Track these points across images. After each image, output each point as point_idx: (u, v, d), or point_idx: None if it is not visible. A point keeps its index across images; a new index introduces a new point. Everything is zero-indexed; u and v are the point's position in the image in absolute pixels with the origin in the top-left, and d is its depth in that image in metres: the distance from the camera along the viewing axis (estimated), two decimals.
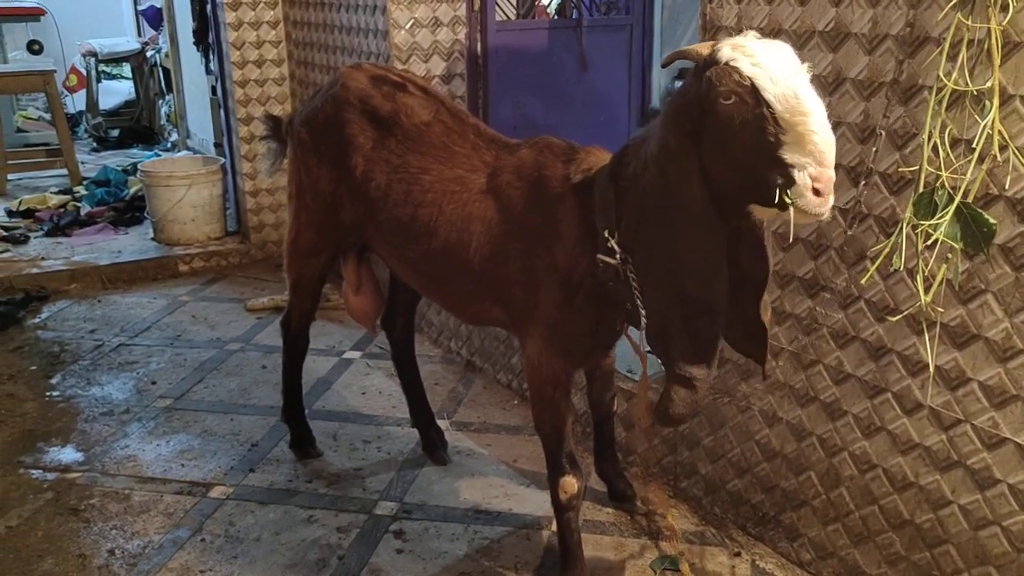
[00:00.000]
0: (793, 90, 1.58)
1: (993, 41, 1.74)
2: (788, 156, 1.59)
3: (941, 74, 1.79)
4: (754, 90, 1.60)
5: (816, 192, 1.59)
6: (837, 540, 2.38)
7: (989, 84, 1.75)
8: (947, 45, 1.80)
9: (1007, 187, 1.85)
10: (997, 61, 1.74)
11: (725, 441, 2.64)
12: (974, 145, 1.77)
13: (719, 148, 1.70)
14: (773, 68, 1.60)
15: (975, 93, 1.80)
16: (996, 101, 1.74)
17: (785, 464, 2.48)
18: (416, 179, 2.40)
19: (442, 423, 3.29)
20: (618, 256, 2.01)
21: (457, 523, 2.76)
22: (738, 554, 2.58)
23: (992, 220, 1.73)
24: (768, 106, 1.58)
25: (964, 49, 1.78)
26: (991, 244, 1.76)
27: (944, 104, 1.80)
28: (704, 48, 1.70)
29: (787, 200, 1.61)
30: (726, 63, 1.63)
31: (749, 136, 1.62)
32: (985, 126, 1.74)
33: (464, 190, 2.32)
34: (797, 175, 1.58)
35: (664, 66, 1.80)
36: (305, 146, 2.70)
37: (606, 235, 2.03)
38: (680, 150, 1.76)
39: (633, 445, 2.99)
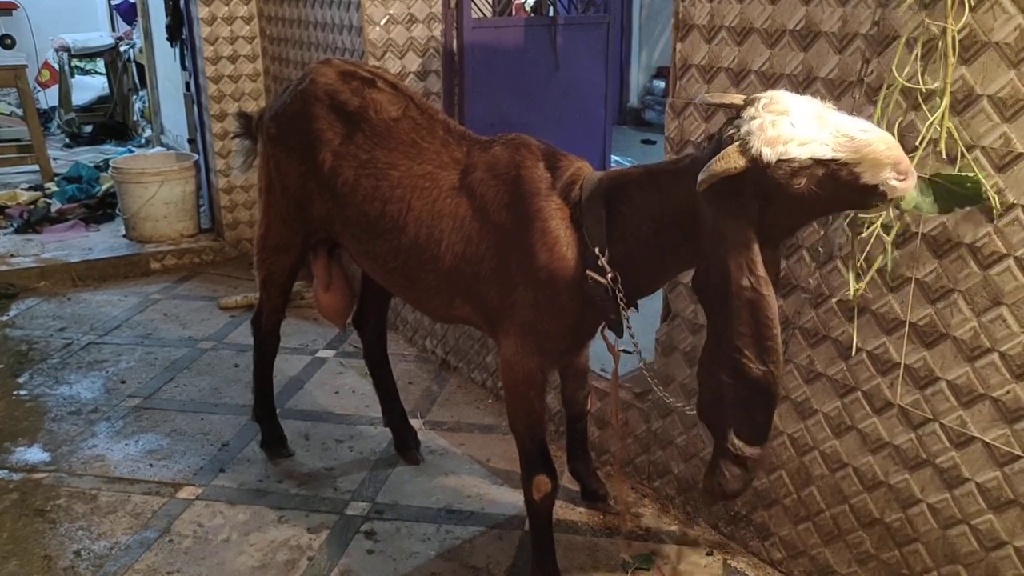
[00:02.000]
0: (840, 133, 1.60)
1: (948, 41, 1.77)
2: (871, 179, 1.61)
3: (897, 73, 1.82)
4: (816, 162, 1.61)
5: (904, 178, 1.63)
6: (808, 539, 2.38)
7: (951, 83, 1.79)
8: (919, 46, 1.81)
9: None
10: (952, 60, 1.78)
11: (697, 440, 2.63)
12: (917, 143, 1.82)
13: (799, 210, 1.70)
14: (813, 132, 1.61)
15: (933, 91, 1.82)
16: (947, 100, 1.80)
17: (757, 463, 2.47)
18: (384, 175, 2.38)
19: (416, 422, 3.27)
20: (609, 275, 2.03)
21: (429, 523, 2.74)
22: (710, 553, 2.58)
23: (971, 174, 1.76)
24: (833, 161, 1.61)
25: (922, 48, 1.80)
26: (984, 197, 1.77)
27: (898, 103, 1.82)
28: (738, 159, 1.64)
29: (888, 203, 1.66)
30: (778, 161, 1.61)
31: (830, 191, 1.63)
32: (932, 122, 1.80)
33: (434, 186, 2.29)
34: (887, 186, 1.62)
35: (702, 190, 1.71)
36: (274, 141, 2.67)
37: (596, 252, 2.03)
38: (743, 241, 1.71)
39: (606, 444, 2.98)
